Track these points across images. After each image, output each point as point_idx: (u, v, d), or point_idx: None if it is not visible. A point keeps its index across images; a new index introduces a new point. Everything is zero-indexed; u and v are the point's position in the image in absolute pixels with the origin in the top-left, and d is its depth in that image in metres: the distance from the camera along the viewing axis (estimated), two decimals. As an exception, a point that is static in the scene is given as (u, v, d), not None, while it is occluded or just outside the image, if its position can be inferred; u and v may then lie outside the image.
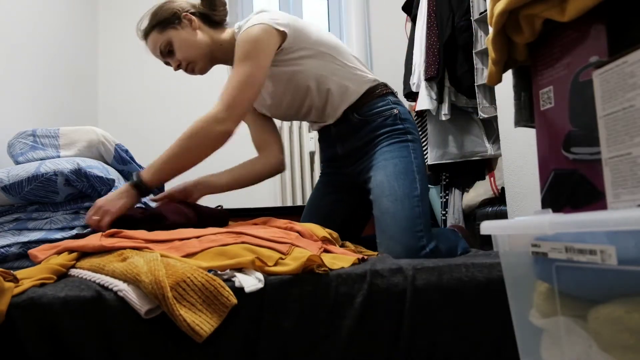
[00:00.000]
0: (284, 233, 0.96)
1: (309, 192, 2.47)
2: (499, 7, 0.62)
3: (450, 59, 1.92)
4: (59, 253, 0.86)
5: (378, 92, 1.27)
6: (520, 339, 0.56)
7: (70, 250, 0.85)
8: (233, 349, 0.70)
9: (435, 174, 2.19)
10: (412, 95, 2.18)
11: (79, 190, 1.11)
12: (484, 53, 1.79)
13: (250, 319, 0.71)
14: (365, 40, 2.73)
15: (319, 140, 1.43)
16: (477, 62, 1.81)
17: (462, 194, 2.11)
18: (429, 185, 2.22)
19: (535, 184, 0.65)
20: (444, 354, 0.75)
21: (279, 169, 1.39)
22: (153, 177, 1.08)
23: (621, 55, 0.46)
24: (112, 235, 0.90)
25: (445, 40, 1.90)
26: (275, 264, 0.78)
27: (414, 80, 2.12)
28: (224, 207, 1.27)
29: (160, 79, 2.34)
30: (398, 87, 2.19)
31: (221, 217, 1.19)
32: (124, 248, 0.82)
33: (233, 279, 0.73)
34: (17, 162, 1.21)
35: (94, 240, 0.86)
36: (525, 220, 0.49)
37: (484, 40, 1.78)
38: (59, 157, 1.20)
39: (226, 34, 1.26)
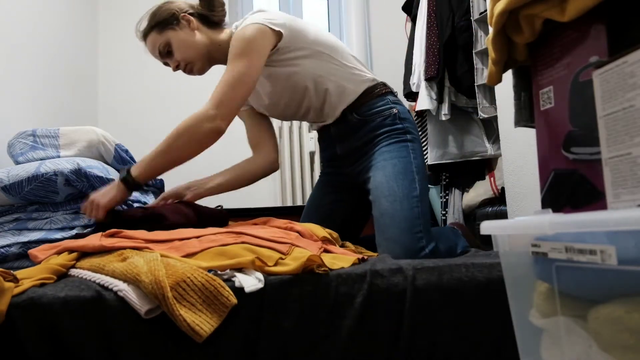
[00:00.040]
0: (284, 233, 0.96)
1: (309, 192, 2.47)
2: (499, 7, 0.62)
3: (450, 59, 1.92)
4: (59, 253, 0.86)
5: (377, 91, 1.27)
6: (520, 339, 0.56)
7: (70, 250, 0.85)
8: (233, 349, 0.70)
9: (435, 174, 2.19)
10: (412, 95, 2.18)
11: (79, 190, 1.11)
12: (484, 53, 1.79)
13: (250, 319, 0.71)
14: (365, 40, 2.73)
15: (319, 140, 1.43)
16: (477, 62, 1.81)
17: (462, 194, 2.11)
18: (429, 185, 2.21)
19: (535, 184, 0.65)
20: (444, 354, 0.75)
21: (272, 168, 1.39)
22: (142, 173, 1.08)
23: (621, 55, 0.46)
24: (112, 235, 0.90)
25: (445, 40, 1.90)
26: (275, 264, 0.78)
27: (414, 80, 2.12)
28: (224, 207, 1.27)
29: (160, 79, 2.34)
30: (398, 87, 2.19)
31: (221, 217, 1.19)
32: (124, 248, 0.82)
33: (233, 279, 0.73)
34: (17, 162, 1.21)
35: (94, 240, 0.86)
36: (525, 220, 0.49)
37: (484, 40, 1.78)
38: (59, 157, 1.20)
39: (224, 35, 1.26)
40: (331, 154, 1.37)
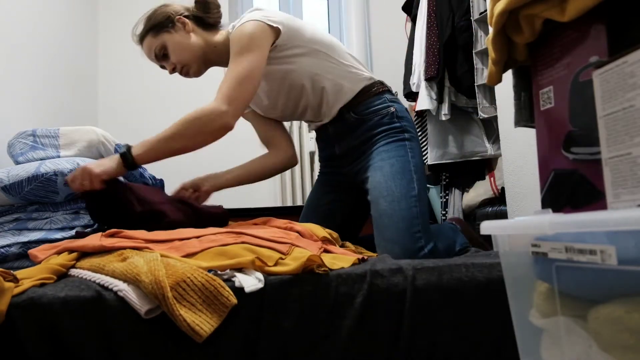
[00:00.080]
0: (284, 233, 0.96)
1: (308, 192, 2.46)
2: (499, 7, 0.62)
3: (450, 59, 1.92)
4: (59, 253, 0.86)
5: (374, 90, 1.27)
6: (520, 339, 0.56)
7: (70, 250, 0.85)
8: (233, 349, 0.70)
9: (435, 174, 2.19)
10: (412, 95, 2.18)
11: (79, 190, 1.11)
12: (484, 53, 1.78)
13: (250, 319, 0.71)
14: (365, 40, 2.73)
15: (317, 139, 1.43)
16: (477, 62, 1.81)
17: (462, 194, 2.11)
18: (429, 185, 2.22)
19: (535, 184, 0.65)
20: (444, 354, 0.75)
21: (290, 162, 1.40)
22: (142, 153, 1.05)
23: (621, 55, 0.46)
24: (112, 235, 0.90)
25: (445, 40, 1.90)
26: (275, 264, 0.78)
27: (414, 80, 2.12)
28: (224, 207, 1.27)
29: (160, 79, 2.32)
30: (398, 87, 2.20)
31: (221, 217, 1.19)
32: (124, 248, 0.82)
33: (233, 279, 0.73)
34: (17, 162, 1.21)
35: (94, 240, 0.86)
36: (525, 220, 0.49)
37: (484, 40, 1.78)
38: (59, 157, 1.20)
39: (220, 36, 1.27)
40: (329, 153, 1.37)
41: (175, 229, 0.98)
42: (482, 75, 1.81)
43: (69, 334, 0.65)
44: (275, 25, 1.14)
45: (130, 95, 2.53)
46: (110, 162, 1.04)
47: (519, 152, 1.40)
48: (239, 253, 0.80)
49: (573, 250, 0.44)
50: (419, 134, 2.19)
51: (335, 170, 1.38)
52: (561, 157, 0.59)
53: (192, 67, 1.25)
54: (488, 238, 1.45)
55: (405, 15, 2.36)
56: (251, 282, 0.72)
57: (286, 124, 2.49)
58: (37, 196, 1.09)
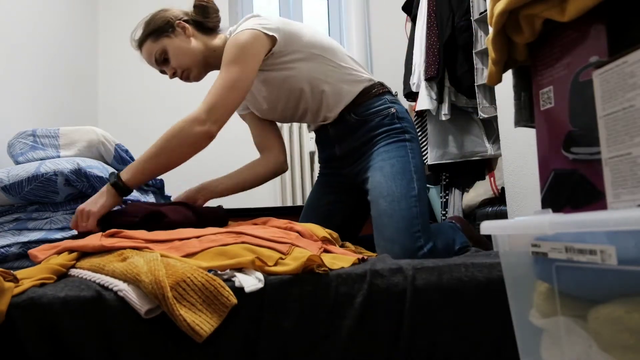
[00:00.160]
0: (284, 233, 0.96)
1: (308, 192, 2.47)
2: (499, 7, 0.62)
3: (450, 59, 1.92)
4: (59, 253, 0.86)
5: (374, 91, 1.27)
6: (520, 339, 0.56)
7: (70, 250, 0.85)
8: (233, 349, 0.70)
9: (435, 174, 2.19)
10: (412, 95, 2.18)
11: (79, 190, 1.11)
12: (484, 53, 1.79)
13: (250, 319, 0.71)
14: (365, 40, 2.73)
15: (317, 141, 1.43)
16: (477, 62, 1.81)
17: (462, 194, 2.11)
18: (429, 185, 2.22)
19: (535, 184, 0.65)
20: (444, 354, 0.75)
21: (280, 169, 1.40)
22: (131, 177, 1.05)
23: (621, 55, 0.46)
24: (112, 235, 0.90)
25: (445, 40, 1.90)
26: (275, 264, 0.78)
27: (414, 80, 2.12)
28: (224, 207, 1.27)
29: (161, 79, 2.32)
30: (398, 87, 2.20)
31: (221, 217, 1.19)
32: (124, 248, 0.82)
33: (233, 279, 0.73)
34: (17, 162, 1.21)
35: (94, 240, 0.86)
36: (525, 220, 0.49)
37: (484, 40, 1.78)
38: (59, 157, 1.20)
39: (219, 40, 1.27)
40: (330, 154, 1.37)
41: (175, 229, 0.98)
42: (482, 75, 1.81)
43: (69, 334, 0.65)
44: (271, 33, 1.15)
45: (130, 95, 2.53)
46: (103, 197, 1.03)
47: (519, 152, 1.40)
48: (239, 253, 0.80)
49: (573, 250, 0.44)
50: (419, 134, 2.19)
51: (336, 171, 1.38)
52: (561, 157, 0.59)
53: (193, 72, 1.25)
54: (488, 238, 1.45)
55: (405, 15, 2.36)
56: (251, 282, 0.72)
57: (286, 125, 2.52)
58: (37, 196, 1.09)
